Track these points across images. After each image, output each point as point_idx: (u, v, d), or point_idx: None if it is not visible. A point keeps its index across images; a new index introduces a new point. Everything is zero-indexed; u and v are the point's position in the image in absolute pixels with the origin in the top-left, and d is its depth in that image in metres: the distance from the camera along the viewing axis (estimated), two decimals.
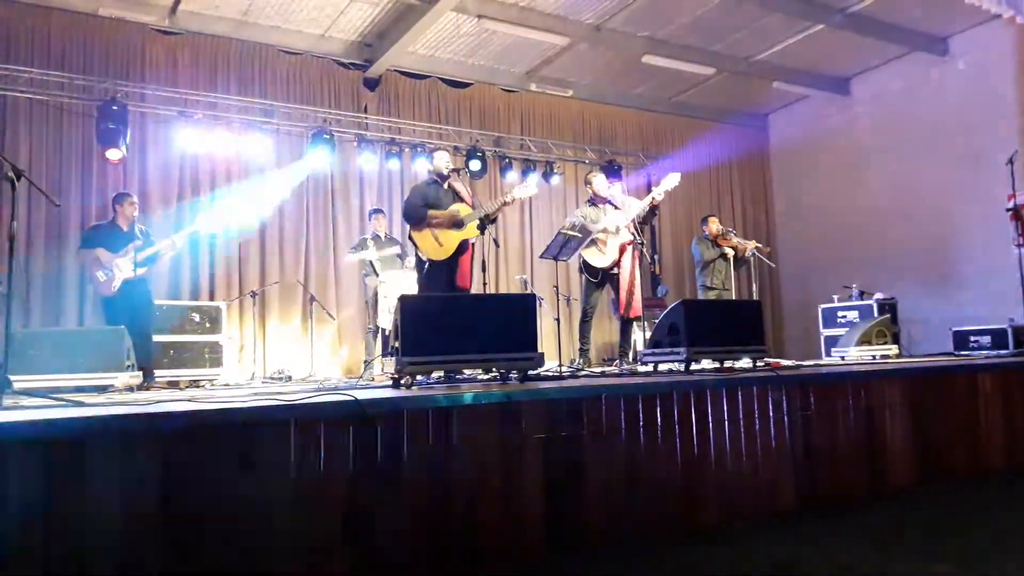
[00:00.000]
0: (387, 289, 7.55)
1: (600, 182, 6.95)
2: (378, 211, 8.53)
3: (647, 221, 6.94)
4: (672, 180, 6.83)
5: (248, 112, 8.99)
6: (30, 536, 2.31)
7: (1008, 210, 8.71)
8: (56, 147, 8.08)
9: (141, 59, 8.56)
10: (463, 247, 5.71)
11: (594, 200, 6.85)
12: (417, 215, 5.71)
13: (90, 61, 8.27)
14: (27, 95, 7.89)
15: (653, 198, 6.71)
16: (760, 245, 8.15)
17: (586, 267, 6.74)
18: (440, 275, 5.68)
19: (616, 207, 6.75)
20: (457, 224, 5.67)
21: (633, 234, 6.57)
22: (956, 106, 9.80)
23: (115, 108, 7.87)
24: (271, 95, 9.20)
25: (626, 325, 6.81)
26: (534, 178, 10.42)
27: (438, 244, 5.65)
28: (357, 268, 8.51)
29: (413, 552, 2.92)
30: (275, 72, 9.31)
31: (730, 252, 8.14)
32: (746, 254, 8.09)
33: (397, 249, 8.11)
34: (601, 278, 6.70)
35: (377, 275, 7.85)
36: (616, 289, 6.68)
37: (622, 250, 6.62)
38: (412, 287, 7.22)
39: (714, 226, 8.30)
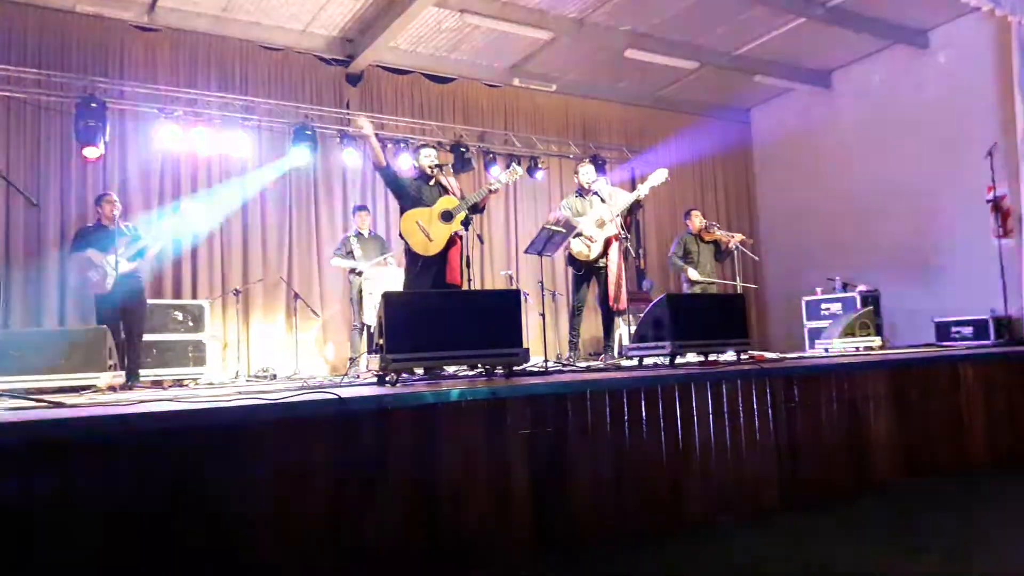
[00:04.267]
0: (372, 286, 7.51)
1: (586, 172, 6.91)
2: (362, 208, 8.48)
3: (631, 213, 6.95)
4: (659, 176, 6.81)
5: (229, 109, 8.90)
6: (10, 539, 2.29)
7: (988, 201, 8.81)
8: (34, 145, 7.97)
9: (120, 56, 8.46)
10: (451, 241, 5.68)
11: (580, 191, 6.85)
12: (390, 176, 5.91)
13: (67, 58, 8.16)
14: (3, 93, 7.78)
15: (640, 194, 6.73)
16: (744, 238, 8.16)
17: (571, 260, 6.73)
18: (430, 272, 5.65)
19: (603, 200, 6.74)
20: (446, 216, 5.64)
21: (620, 228, 6.57)
22: (936, 98, 9.87)
23: (93, 105, 7.77)
24: (252, 91, 9.12)
25: (609, 319, 6.79)
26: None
27: (428, 240, 5.61)
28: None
29: (400, 550, 2.92)
30: (256, 68, 9.24)
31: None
32: (730, 246, 8.10)
33: (381, 250, 8.05)
34: (585, 271, 6.70)
35: (360, 274, 7.82)
36: (603, 282, 6.65)
37: (608, 243, 6.60)
38: (397, 283, 7.20)
39: (697, 220, 8.28)
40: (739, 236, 8.12)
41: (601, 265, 6.65)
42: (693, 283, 8.06)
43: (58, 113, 8.03)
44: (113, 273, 6.33)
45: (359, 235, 8.12)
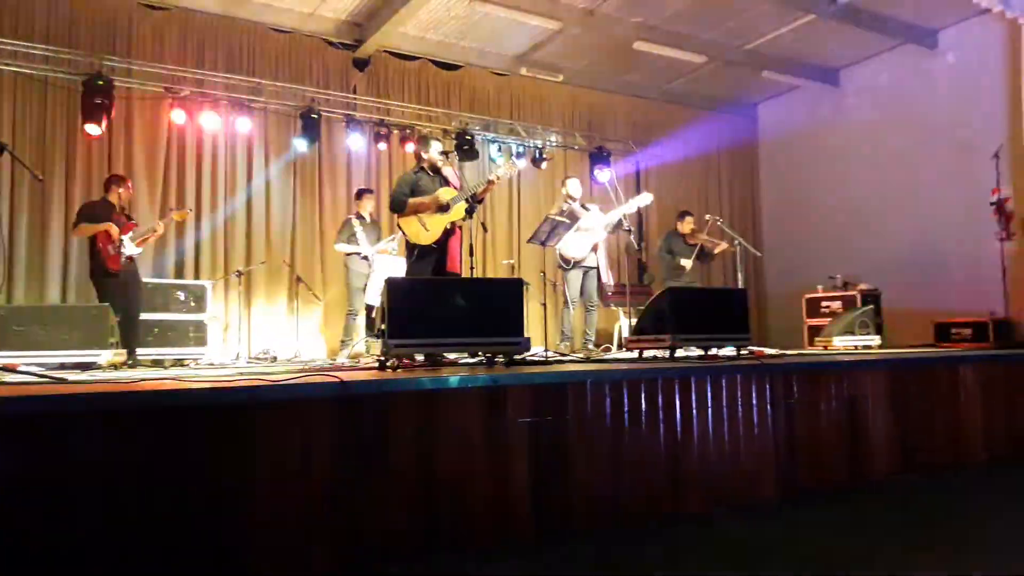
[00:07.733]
0: (378, 265, 7.66)
1: (574, 187, 7.41)
2: (367, 191, 8.43)
3: (615, 230, 7.43)
4: (644, 199, 7.47)
5: (236, 90, 8.89)
6: (10, 514, 2.31)
7: (992, 204, 8.79)
8: (40, 121, 7.97)
9: (128, 34, 8.43)
10: (451, 231, 5.70)
11: (568, 201, 7.20)
12: (399, 204, 5.74)
13: (76, 35, 8.13)
14: (11, 68, 7.77)
15: (624, 212, 7.14)
16: (727, 247, 8.27)
17: (561, 257, 7.16)
18: (429, 260, 5.67)
19: (587, 209, 7.25)
20: (442, 208, 5.66)
21: (617, 224, 6.97)
22: (944, 99, 9.84)
23: (100, 83, 7.77)
24: (259, 74, 9.10)
25: (590, 313, 7.30)
26: (519, 160, 10.45)
27: (424, 229, 5.64)
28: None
29: (398, 535, 2.93)
30: (263, 50, 9.20)
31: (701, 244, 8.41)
32: (714, 252, 8.34)
33: (379, 236, 8.06)
34: (573, 265, 7.12)
35: (365, 258, 7.83)
36: (595, 277, 7.18)
37: (594, 248, 7.17)
38: (402, 269, 7.25)
39: (687, 226, 8.54)
40: (724, 245, 8.25)
41: (591, 264, 7.13)
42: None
43: (65, 89, 8.03)
44: (126, 252, 6.59)
45: (361, 218, 8.08)
